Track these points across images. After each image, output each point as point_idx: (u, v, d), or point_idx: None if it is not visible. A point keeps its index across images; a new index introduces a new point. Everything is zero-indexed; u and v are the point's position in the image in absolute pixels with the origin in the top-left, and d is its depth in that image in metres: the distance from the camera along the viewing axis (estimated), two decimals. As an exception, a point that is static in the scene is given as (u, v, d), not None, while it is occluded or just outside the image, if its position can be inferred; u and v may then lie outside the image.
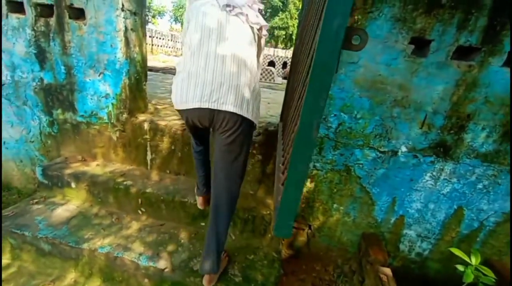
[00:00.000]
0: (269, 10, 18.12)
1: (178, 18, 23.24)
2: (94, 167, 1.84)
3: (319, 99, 0.44)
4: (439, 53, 1.32)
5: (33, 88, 1.87)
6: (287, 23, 18.14)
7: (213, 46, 0.99)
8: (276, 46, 18.02)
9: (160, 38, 13.20)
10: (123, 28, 1.60)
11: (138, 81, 1.81)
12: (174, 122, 1.80)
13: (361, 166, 1.57)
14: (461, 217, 1.60)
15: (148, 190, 1.64)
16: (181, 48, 1.28)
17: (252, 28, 1.07)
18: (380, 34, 1.32)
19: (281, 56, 9.24)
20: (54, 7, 1.66)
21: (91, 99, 1.79)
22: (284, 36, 17.87)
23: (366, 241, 1.66)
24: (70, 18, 1.66)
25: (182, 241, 1.53)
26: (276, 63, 8.61)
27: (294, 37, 18.64)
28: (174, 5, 22.89)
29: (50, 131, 1.97)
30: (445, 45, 1.30)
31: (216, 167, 1.15)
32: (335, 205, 1.70)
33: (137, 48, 1.74)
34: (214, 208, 1.20)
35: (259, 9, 1.09)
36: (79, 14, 1.68)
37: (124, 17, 1.60)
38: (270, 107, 2.76)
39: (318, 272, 1.86)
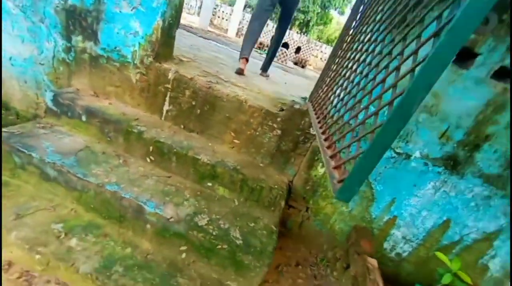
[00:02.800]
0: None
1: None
2: (107, 105, 1.77)
3: (433, 76, 0.45)
4: (482, 69, 1.34)
5: (54, 6, 1.72)
6: (308, 7, 17.48)
7: None
8: (290, 29, 17.46)
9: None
10: (170, -35, 1.49)
11: (171, 26, 1.72)
12: (198, 77, 1.75)
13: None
14: (447, 228, 1.73)
15: (162, 139, 1.62)
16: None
17: None
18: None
19: (296, 40, 8.97)
20: None
21: (118, 33, 1.69)
22: (302, 20, 17.26)
23: (358, 233, 1.77)
24: None
25: (188, 196, 1.55)
26: (290, 46, 8.39)
27: (311, 23, 18.08)
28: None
29: (65, 57, 1.85)
30: (490, 62, 1.32)
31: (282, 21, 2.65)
32: (337, 194, 1.76)
33: (177, -9, 1.63)
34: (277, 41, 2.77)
35: None
36: None
37: (173, -48, 1.48)
38: (287, 88, 2.73)
39: (303, 253, 1.97)
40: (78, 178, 1.39)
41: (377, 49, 0.92)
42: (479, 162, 1.52)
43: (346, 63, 1.20)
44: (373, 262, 1.54)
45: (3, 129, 1.48)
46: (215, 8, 13.68)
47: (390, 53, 0.78)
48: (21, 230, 1.22)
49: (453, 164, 1.54)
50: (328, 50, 13.99)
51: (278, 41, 2.76)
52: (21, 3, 1.77)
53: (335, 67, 1.42)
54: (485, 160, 1.51)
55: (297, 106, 1.65)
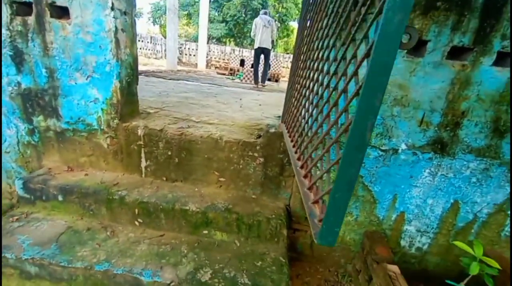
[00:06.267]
0: (249, 12, 18.17)
1: (156, 20, 22.54)
2: (83, 177, 1.70)
3: (374, 99, 0.42)
4: (435, 53, 1.36)
5: (8, 93, 1.70)
6: (268, 25, 18.29)
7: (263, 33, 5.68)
8: (243, 46, 18.10)
9: (139, 41, 12.76)
10: (113, 29, 1.50)
11: (130, 84, 1.71)
12: (169, 127, 1.72)
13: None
14: (457, 211, 1.67)
15: (145, 199, 1.55)
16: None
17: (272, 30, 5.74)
18: (380, 34, 1.34)
19: (248, 56, 9.17)
20: (33, 5, 1.52)
21: (78, 104, 1.66)
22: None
23: (370, 239, 1.68)
24: (52, 17, 1.54)
25: (185, 251, 1.45)
26: (245, 63, 8.57)
27: (275, 39, 18.80)
28: (152, 7, 22.13)
29: (29, 140, 1.80)
30: (440, 46, 1.35)
31: (265, 57, 5.99)
32: (338, 205, 1.70)
33: (128, 49, 1.64)
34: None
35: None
36: (62, 13, 1.55)
37: (114, 17, 1.50)
38: (262, 109, 2.73)
39: (322, 274, 1.85)
40: (63, 266, 1.28)
41: (327, 55, 0.91)
42: (465, 138, 1.50)
43: (307, 73, 1.20)
44: (395, 268, 1.45)
45: (-26, 235, 1.38)
46: (180, 47, 14.14)
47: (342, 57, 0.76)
48: None
49: (441, 147, 1.52)
50: (296, 58, 14.46)
51: (264, 67, 6.13)
52: (-24, 98, 1.74)
53: (298, 79, 1.41)
54: (470, 134, 1.49)
55: (272, 130, 1.63)
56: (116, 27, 1.51)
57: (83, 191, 1.57)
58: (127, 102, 1.72)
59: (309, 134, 0.93)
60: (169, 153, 1.70)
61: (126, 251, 1.40)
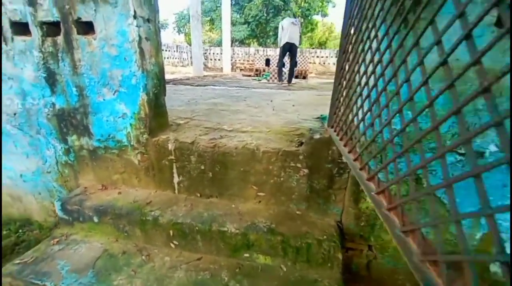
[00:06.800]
0: (271, 11, 17.91)
1: (181, 29, 23.36)
2: (116, 196, 1.64)
3: None
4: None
5: (45, 115, 1.70)
6: (291, 22, 17.85)
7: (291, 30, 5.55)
8: (266, 46, 17.75)
9: (166, 50, 13.27)
10: (137, 38, 1.40)
11: (157, 95, 1.61)
12: (200, 138, 1.58)
13: (434, 172, 1.28)
14: None
15: (179, 220, 1.42)
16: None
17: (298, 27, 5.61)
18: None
19: (273, 55, 8.90)
20: (61, 24, 1.48)
21: (107, 121, 1.60)
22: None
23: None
24: (78, 33, 1.48)
25: (226, 278, 1.28)
26: (271, 62, 8.35)
27: (299, 35, 18.26)
28: (176, 17, 22.98)
29: (66, 160, 1.79)
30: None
31: (292, 55, 5.77)
32: (402, 221, 1.40)
33: (153, 59, 1.53)
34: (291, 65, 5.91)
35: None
36: (87, 28, 1.49)
37: (137, 25, 1.39)
38: (297, 110, 2.50)
39: (384, 300, 1.57)
40: (99, 297, 1.20)
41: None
42: None
43: (361, 68, 0.96)
44: (490, 307, 1.12)
45: (17, 261, 1.36)
46: (205, 53, 14.42)
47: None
48: None
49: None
50: (322, 53, 13.87)
51: (291, 64, 5.89)
52: (17, 122, 1.78)
53: (348, 78, 1.17)
54: None
55: (316, 136, 1.39)
56: (139, 36, 1.41)
57: (116, 212, 1.49)
58: (156, 115, 1.61)
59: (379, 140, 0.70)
60: (202, 167, 1.55)
61: (163, 280, 1.27)
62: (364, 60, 0.96)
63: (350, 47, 1.10)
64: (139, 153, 1.63)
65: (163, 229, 1.44)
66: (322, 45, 22.30)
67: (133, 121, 1.56)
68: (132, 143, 1.61)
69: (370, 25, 0.95)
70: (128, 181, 1.72)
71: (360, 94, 0.98)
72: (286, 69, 6.89)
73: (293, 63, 5.81)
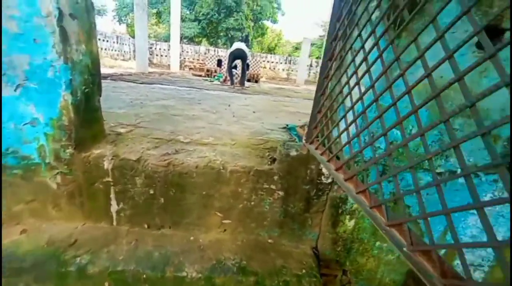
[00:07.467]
0: (223, 11, 17.56)
1: (123, 19, 20.88)
2: (19, 237, 1.15)
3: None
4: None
5: None
6: (242, 24, 17.79)
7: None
8: (217, 46, 17.49)
9: (103, 40, 11.58)
10: (55, 12, 0.99)
11: (89, 96, 1.19)
12: (149, 154, 1.23)
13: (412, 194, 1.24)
14: (513, 237, 1.39)
15: (119, 266, 1.05)
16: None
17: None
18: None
19: (225, 56, 8.73)
20: None
21: (4, 128, 1.11)
22: (240, 37, 17.51)
23: (416, 279, 1.34)
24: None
25: None
26: (223, 63, 8.23)
27: (250, 38, 18.36)
28: (117, 4, 20.39)
29: None
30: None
31: (243, 59, 5.94)
32: (377, 243, 1.33)
33: (83, 46, 1.12)
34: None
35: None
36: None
37: (55, -5, 0.98)
38: (259, 118, 2.31)
39: (357, 325, 1.48)
40: None
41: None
42: (534, 153, 1.21)
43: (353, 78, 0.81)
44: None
45: None
46: (150, 48, 13.19)
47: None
48: None
49: (510, 166, 1.21)
50: (272, 59, 14.21)
51: (243, 67, 6.02)
52: None
53: (336, 88, 1.01)
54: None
55: (293, 153, 1.21)
56: (59, 10, 0.99)
57: (17, 264, 1.02)
58: (86, 122, 1.19)
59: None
60: (151, 192, 1.21)
61: None
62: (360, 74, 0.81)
63: (342, 54, 0.94)
64: (59, 174, 1.18)
65: (94, 282, 1.04)
66: (271, 50, 22.97)
67: (49, 131, 1.11)
68: (47, 160, 1.15)
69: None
70: (41, 213, 1.24)
71: (358, 112, 0.83)
72: (236, 71, 6.81)
73: (245, 66, 6.01)
